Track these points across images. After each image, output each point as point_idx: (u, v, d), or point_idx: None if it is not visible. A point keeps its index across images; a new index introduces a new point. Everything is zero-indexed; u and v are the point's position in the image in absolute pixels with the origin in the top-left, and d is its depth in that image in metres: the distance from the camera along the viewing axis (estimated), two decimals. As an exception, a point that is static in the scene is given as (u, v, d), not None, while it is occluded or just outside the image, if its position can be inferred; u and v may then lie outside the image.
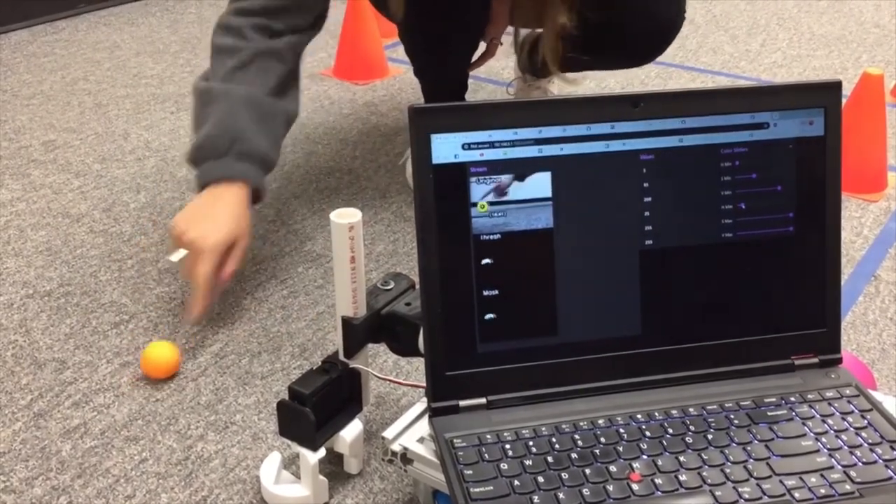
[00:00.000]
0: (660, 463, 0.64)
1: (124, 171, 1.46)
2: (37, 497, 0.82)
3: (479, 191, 0.68)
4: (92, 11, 2.32)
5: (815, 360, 0.74)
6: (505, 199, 0.68)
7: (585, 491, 0.62)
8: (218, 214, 0.99)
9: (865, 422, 0.68)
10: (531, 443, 0.66)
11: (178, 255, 0.98)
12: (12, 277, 1.16)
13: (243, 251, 1.02)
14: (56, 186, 1.41)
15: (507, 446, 0.65)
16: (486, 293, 0.69)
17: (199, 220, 0.98)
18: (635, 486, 0.62)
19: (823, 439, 0.66)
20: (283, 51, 1.10)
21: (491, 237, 0.68)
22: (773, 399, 0.70)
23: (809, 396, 0.71)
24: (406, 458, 0.71)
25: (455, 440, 0.66)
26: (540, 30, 1.51)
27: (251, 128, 1.03)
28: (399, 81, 1.85)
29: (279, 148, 1.10)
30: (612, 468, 0.64)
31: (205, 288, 0.97)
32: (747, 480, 0.63)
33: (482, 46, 1.44)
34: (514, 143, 0.68)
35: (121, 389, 0.96)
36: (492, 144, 0.68)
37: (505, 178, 0.68)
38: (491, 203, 0.68)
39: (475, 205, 0.68)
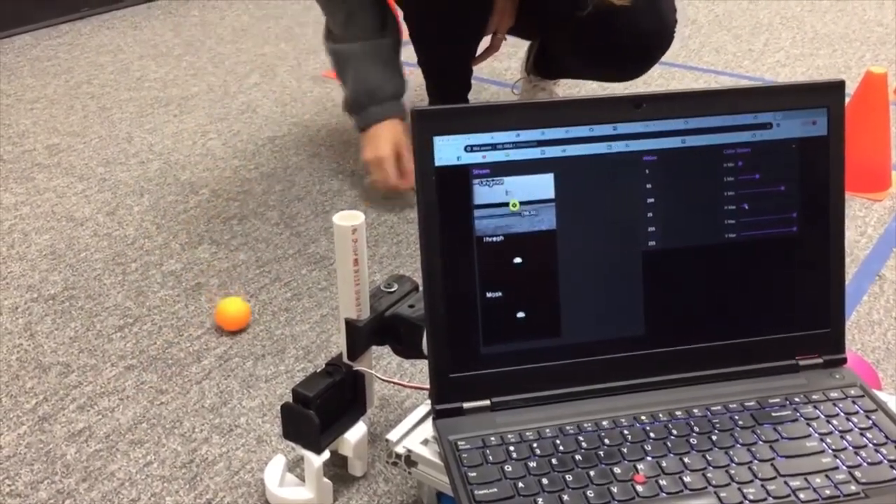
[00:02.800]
0: (664, 464, 0.64)
1: (128, 175, 1.46)
2: (42, 501, 0.82)
3: (485, 192, 0.68)
4: (95, 15, 2.32)
5: (820, 360, 0.74)
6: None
7: (590, 493, 0.62)
8: (380, 142, 1.32)
9: (870, 422, 0.68)
10: (535, 445, 0.66)
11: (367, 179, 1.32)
12: (17, 281, 1.17)
13: (410, 152, 1.25)
14: (60, 190, 1.41)
15: (511, 448, 0.65)
16: (489, 295, 0.69)
17: (369, 150, 1.33)
18: (640, 488, 0.62)
19: (828, 440, 0.66)
20: None
21: (494, 239, 0.68)
22: (778, 400, 0.70)
23: (814, 397, 0.70)
24: (410, 460, 0.71)
25: (459, 442, 0.66)
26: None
27: (379, 76, 1.33)
28: (402, 83, 1.85)
29: (402, 71, 1.37)
30: (617, 470, 0.64)
31: (394, 177, 1.30)
32: (752, 481, 0.63)
33: (487, 42, 1.45)
34: (516, 145, 0.68)
35: (125, 393, 0.96)
36: (494, 146, 0.68)
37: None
38: (522, 203, 0.69)
39: (506, 204, 0.68)
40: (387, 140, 1.33)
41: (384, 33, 1.34)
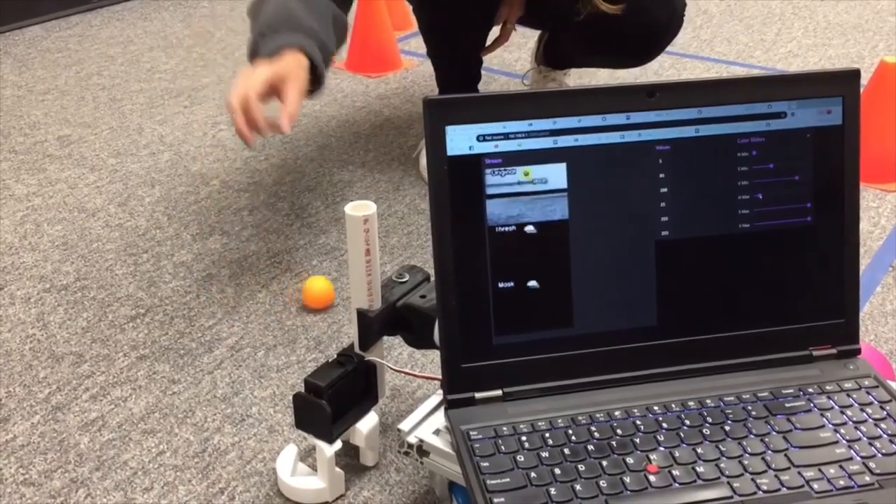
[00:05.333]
0: (677, 454, 0.64)
1: (139, 166, 1.47)
2: (56, 489, 0.82)
3: (497, 182, 0.67)
4: (105, 7, 2.33)
5: (834, 351, 0.73)
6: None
7: (602, 483, 0.62)
8: (265, 68, 0.97)
9: (884, 413, 0.68)
10: (547, 434, 0.66)
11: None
12: (29, 272, 1.17)
13: (298, 93, 0.96)
14: (71, 181, 1.42)
15: (524, 438, 0.65)
16: (501, 285, 0.69)
17: (246, 73, 0.97)
18: (652, 478, 0.62)
19: (842, 430, 0.66)
20: None
21: (506, 229, 0.68)
22: (791, 390, 0.70)
23: (828, 387, 0.70)
24: (422, 450, 0.71)
25: (471, 432, 0.66)
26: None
27: (303, 13, 1.02)
28: (412, 74, 1.85)
29: (333, 42, 1.07)
30: (629, 460, 0.63)
31: (244, 105, 0.93)
32: (765, 472, 0.62)
33: (496, 31, 1.44)
34: (528, 135, 0.68)
35: (138, 383, 0.96)
36: (506, 136, 0.67)
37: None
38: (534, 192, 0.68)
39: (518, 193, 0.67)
40: (281, 66, 0.96)
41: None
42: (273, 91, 0.96)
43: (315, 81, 1.02)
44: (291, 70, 0.97)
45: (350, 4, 1.16)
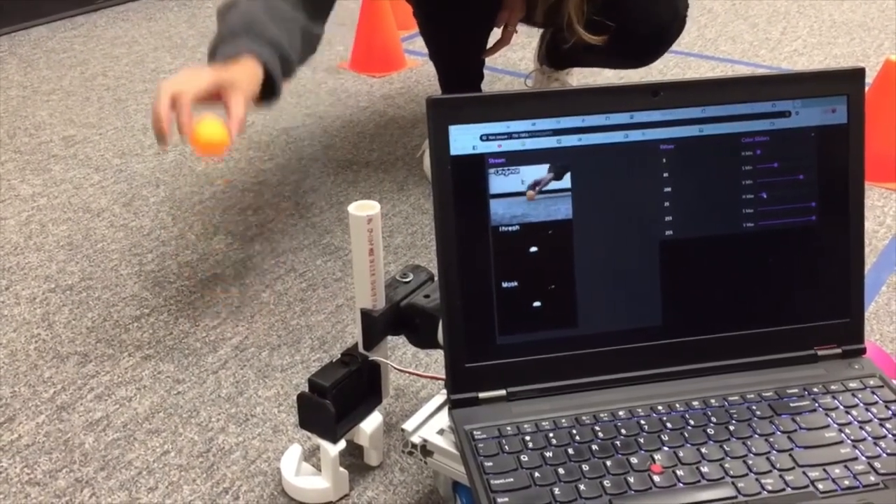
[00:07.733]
0: (681, 454, 0.64)
1: (143, 166, 1.47)
2: (60, 489, 0.83)
3: (501, 181, 0.67)
4: (110, 7, 2.33)
5: (839, 350, 0.73)
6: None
7: (606, 482, 0.62)
8: (210, 70, 0.96)
9: (889, 412, 0.67)
10: (551, 434, 0.66)
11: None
12: (35, 272, 1.17)
13: (243, 101, 0.94)
14: (76, 181, 1.42)
15: (528, 438, 0.65)
16: (505, 285, 0.68)
17: (188, 70, 0.96)
18: (656, 478, 0.62)
19: (847, 430, 0.66)
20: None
21: (509, 228, 0.68)
22: (796, 390, 0.70)
23: (833, 387, 0.70)
24: (426, 449, 0.71)
25: (475, 432, 0.66)
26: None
27: (268, 21, 1.01)
28: (416, 74, 1.85)
29: (297, 53, 1.05)
30: (633, 460, 0.63)
31: (174, 100, 0.91)
32: (770, 472, 0.62)
33: (498, 33, 1.44)
34: (532, 134, 0.68)
35: (142, 382, 0.96)
36: (510, 135, 0.67)
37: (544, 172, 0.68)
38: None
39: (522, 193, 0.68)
40: (229, 73, 0.94)
41: (300, 9, 1.05)
42: (216, 97, 0.94)
43: (269, 91, 1.00)
44: (239, 79, 0.95)
45: (324, 18, 1.13)
